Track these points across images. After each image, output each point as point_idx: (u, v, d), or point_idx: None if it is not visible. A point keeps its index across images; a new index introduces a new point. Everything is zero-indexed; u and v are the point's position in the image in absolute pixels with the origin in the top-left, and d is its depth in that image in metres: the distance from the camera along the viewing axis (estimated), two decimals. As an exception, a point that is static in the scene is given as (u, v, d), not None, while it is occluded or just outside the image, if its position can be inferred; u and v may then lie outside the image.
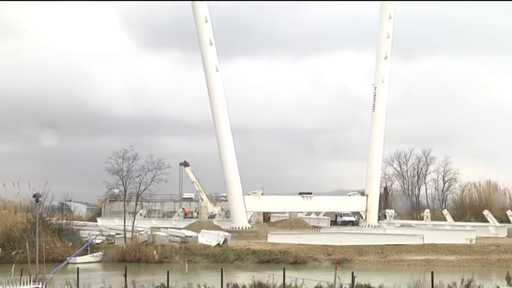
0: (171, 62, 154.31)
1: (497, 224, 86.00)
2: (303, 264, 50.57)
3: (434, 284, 29.94)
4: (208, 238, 69.54)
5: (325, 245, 63.94)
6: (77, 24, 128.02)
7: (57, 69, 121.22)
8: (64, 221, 73.62)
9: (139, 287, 32.01)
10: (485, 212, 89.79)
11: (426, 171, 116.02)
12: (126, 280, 34.38)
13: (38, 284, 18.48)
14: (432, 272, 31.15)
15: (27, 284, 18.24)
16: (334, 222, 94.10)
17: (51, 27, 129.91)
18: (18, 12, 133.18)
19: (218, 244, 67.13)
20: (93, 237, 68.50)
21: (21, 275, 27.76)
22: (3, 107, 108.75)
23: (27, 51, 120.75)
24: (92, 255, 59.77)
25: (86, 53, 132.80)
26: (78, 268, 39.57)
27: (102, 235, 71.25)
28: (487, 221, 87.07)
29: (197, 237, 69.81)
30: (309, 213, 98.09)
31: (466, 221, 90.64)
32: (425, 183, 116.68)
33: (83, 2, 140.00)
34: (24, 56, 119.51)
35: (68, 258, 51.32)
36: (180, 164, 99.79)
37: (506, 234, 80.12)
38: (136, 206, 76.63)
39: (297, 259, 54.66)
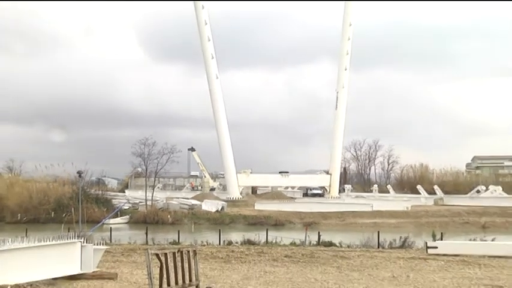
0: (180, 71, 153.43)
1: (427, 195, 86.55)
2: (281, 226, 51.03)
3: (379, 241, 30.11)
4: (210, 206, 69.90)
5: (298, 212, 64.50)
6: (105, 42, 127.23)
7: (91, 77, 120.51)
8: (100, 192, 73.63)
9: (156, 243, 32.22)
10: (418, 187, 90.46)
11: (375, 156, 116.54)
12: (147, 237, 34.53)
13: (81, 239, 18.97)
14: (378, 232, 31.55)
15: (72, 239, 18.82)
16: (305, 194, 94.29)
17: (87, 45, 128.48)
18: (61, 31, 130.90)
19: (217, 210, 67.42)
20: (122, 204, 68.50)
21: (69, 232, 28.59)
22: (52, 107, 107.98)
23: (69, 63, 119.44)
24: (121, 218, 59.99)
25: (112, 64, 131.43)
26: (110, 228, 39.97)
27: (129, 203, 71.26)
28: (419, 193, 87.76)
29: (201, 205, 70.04)
30: (286, 188, 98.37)
31: (404, 193, 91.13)
32: (374, 165, 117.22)
33: (108, 25, 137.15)
34: (67, 66, 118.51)
35: (103, 220, 51.50)
36: (188, 149, 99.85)
37: (433, 203, 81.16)
38: (154, 181, 76.91)
39: (277, 222, 54.99)
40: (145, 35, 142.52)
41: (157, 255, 7.67)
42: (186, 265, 8.04)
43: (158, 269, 7.45)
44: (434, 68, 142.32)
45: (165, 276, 7.59)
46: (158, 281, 7.50)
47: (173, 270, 7.70)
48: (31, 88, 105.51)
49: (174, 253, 7.98)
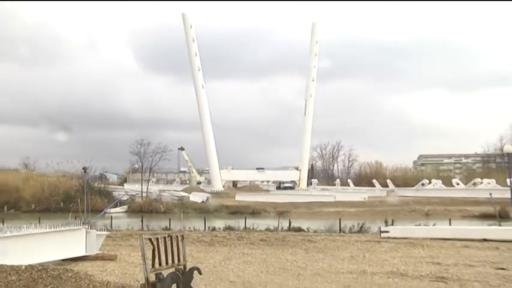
0: (171, 81, 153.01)
1: (381, 188, 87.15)
2: (258, 214, 50.89)
3: (341, 226, 30.09)
4: (196, 197, 69.69)
5: (272, 202, 64.45)
6: (105, 56, 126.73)
7: (94, 86, 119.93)
8: (102, 185, 74.37)
9: (150, 229, 32.06)
10: (374, 181, 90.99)
11: (337, 154, 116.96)
12: (142, 224, 34.45)
13: (85, 226, 18.99)
14: (340, 219, 31.48)
15: (78, 226, 18.89)
16: (278, 187, 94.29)
17: (91, 59, 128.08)
18: (68, 46, 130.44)
19: (203, 201, 67.18)
20: (121, 196, 68.40)
21: (75, 220, 28.46)
22: (61, 112, 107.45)
23: (75, 74, 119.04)
24: (120, 207, 59.47)
25: (112, 75, 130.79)
26: (111, 216, 39.70)
27: (127, 195, 71.17)
28: (374, 186, 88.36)
29: (189, 196, 69.93)
30: (262, 182, 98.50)
31: (362, 186, 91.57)
32: (336, 162, 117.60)
33: (107, 42, 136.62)
34: (73, 76, 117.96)
35: (104, 209, 51.19)
36: (178, 149, 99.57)
37: (385, 194, 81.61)
38: (149, 176, 77.08)
39: (254, 211, 54.73)
40: (140, 51, 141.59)
41: (150, 239, 7.64)
42: (175, 248, 8.02)
43: (151, 251, 7.44)
44: (385, 80, 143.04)
45: (156, 257, 7.57)
46: (151, 262, 7.48)
47: (164, 252, 7.67)
48: (44, 95, 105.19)
49: (164, 237, 7.95)
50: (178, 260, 8.08)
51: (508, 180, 46.39)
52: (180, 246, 8.23)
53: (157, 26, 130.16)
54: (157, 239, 7.74)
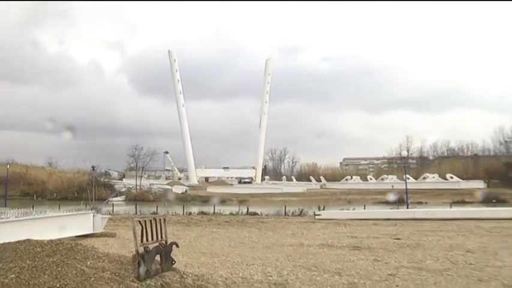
0: (158, 101, 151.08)
1: (316, 182, 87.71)
2: (224, 202, 50.40)
3: (286, 211, 30.23)
4: (178, 189, 69.23)
5: (235, 193, 64.39)
6: (106, 82, 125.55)
7: (99, 106, 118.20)
8: (106, 180, 73.76)
9: (142, 213, 31.68)
10: (311, 177, 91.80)
11: (284, 157, 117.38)
12: (136, 210, 34.10)
13: (93, 211, 18.95)
14: (285, 206, 31.68)
15: (87, 211, 18.91)
16: (239, 182, 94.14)
17: (97, 83, 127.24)
18: (80, 75, 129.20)
19: (182, 192, 67.00)
20: (120, 188, 67.88)
21: (86, 206, 28.10)
22: (75, 124, 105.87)
23: (82, 95, 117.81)
24: (120, 197, 58.84)
25: (112, 97, 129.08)
26: (113, 204, 39.47)
27: (125, 187, 70.40)
28: (311, 181, 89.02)
29: (172, 189, 69.98)
30: (227, 178, 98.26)
31: (302, 181, 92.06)
32: (283, 163, 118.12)
33: (106, 71, 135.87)
34: (82, 97, 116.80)
35: (108, 198, 50.58)
36: (164, 152, 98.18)
37: (319, 187, 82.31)
38: (142, 173, 76.51)
39: (221, 200, 54.46)
40: (133, 77, 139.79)
41: (139, 221, 7.56)
42: (159, 228, 7.95)
43: (140, 230, 7.39)
44: (319, 102, 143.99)
45: (144, 235, 7.49)
46: (140, 238, 7.41)
47: (150, 231, 7.61)
48: (62, 110, 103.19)
49: (150, 220, 7.87)
50: (161, 237, 8.01)
51: (404, 176, 47.34)
52: (163, 226, 8.17)
53: (148, 58, 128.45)
54: (145, 221, 7.67)
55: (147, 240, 7.60)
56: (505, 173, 71.11)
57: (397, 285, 7.75)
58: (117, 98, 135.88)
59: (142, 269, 7.08)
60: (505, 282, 8.17)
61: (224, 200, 54.41)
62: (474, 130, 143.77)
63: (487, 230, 17.62)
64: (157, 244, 7.88)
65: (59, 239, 9.79)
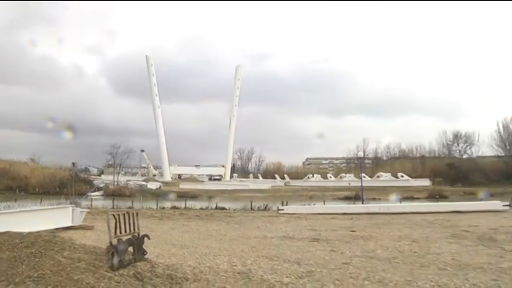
0: (136, 102, 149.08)
1: (280, 180, 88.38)
2: (195, 198, 49.84)
3: (252, 206, 30.38)
4: (152, 185, 68.65)
5: (205, 189, 64.08)
6: (87, 84, 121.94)
7: (80, 103, 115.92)
8: (86, 176, 73.30)
9: (119, 207, 31.17)
10: (276, 175, 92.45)
11: (251, 156, 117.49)
12: (113, 204, 33.59)
13: (72, 205, 18.69)
14: (251, 201, 31.84)
15: (67, 205, 18.64)
16: (210, 179, 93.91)
17: (79, 85, 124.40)
18: (64, 77, 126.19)
19: (156, 188, 66.49)
20: (99, 184, 66.82)
21: (66, 200, 27.58)
22: (55, 122, 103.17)
23: (67, 95, 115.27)
24: (98, 192, 57.77)
25: (92, 98, 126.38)
26: (91, 198, 38.90)
27: (103, 183, 69.24)
28: (276, 179, 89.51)
29: (147, 185, 69.09)
30: (198, 175, 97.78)
31: (267, 178, 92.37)
32: (251, 162, 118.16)
33: (87, 74, 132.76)
34: (65, 98, 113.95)
35: (87, 193, 49.78)
36: (140, 151, 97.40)
37: (283, 184, 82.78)
38: (119, 170, 75.48)
39: (192, 195, 54.00)
40: (112, 79, 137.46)
41: (113, 215, 7.49)
42: (131, 221, 7.88)
43: (114, 223, 7.32)
44: (285, 106, 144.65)
45: (118, 227, 7.42)
46: (114, 230, 7.34)
47: (123, 223, 7.55)
48: (45, 110, 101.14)
49: (124, 214, 7.80)
50: (134, 229, 7.94)
51: (360, 174, 48.16)
52: (135, 220, 8.10)
53: (127, 62, 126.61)
54: (119, 214, 7.60)
55: (120, 232, 7.51)
56: (447, 172, 73.51)
57: (350, 273, 7.89)
58: (97, 99, 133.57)
59: (115, 260, 7.01)
60: (440, 266, 8.58)
61: (195, 196, 54.06)
62: (422, 134, 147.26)
63: (430, 222, 18.13)
64: (130, 236, 7.80)
65: (38, 232, 9.61)
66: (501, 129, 76.71)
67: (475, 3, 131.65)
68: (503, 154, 76.83)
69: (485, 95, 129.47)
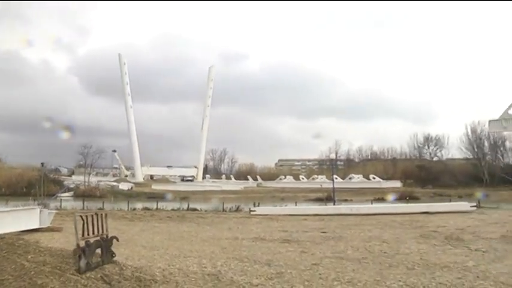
0: (108, 102, 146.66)
1: (253, 181, 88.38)
2: (168, 199, 50.13)
3: (224, 207, 30.31)
4: (124, 186, 67.86)
5: (178, 190, 63.64)
6: (58, 82, 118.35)
7: (50, 102, 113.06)
8: (56, 176, 71.89)
9: (89, 208, 30.77)
10: (248, 176, 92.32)
11: (224, 157, 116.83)
12: (83, 205, 32.99)
13: (40, 206, 18.28)
14: (223, 202, 31.99)
15: (34, 206, 18.19)
16: (182, 180, 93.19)
17: (49, 83, 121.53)
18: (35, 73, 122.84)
19: (128, 189, 65.74)
20: (69, 184, 65.81)
21: (34, 201, 26.95)
22: (24, 122, 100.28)
23: (37, 94, 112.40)
24: (68, 193, 56.97)
25: (64, 97, 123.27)
26: (61, 199, 38.22)
27: (74, 183, 68.08)
28: (248, 180, 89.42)
29: (118, 185, 68.23)
30: (171, 175, 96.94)
31: (240, 180, 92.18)
32: (223, 163, 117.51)
33: (58, 72, 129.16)
34: (36, 96, 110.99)
35: (57, 194, 48.87)
36: (112, 151, 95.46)
37: (256, 186, 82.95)
38: (90, 170, 74.38)
39: (164, 196, 54.22)
40: (84, 78, 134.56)
41: (81, 216, 7.36)
42: (100, 222, 7.77)
43: (82, 225, 7.19)
44: (257, 107, 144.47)
45: (86, 229, 7.30)
46: (81, 232, 7.21)
47: (92, 225, 7.42)
48: (14, 109, 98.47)
49: (92, 215, 7.68)
50: (102, 231, 7.84)
51: (332, 176, 48.72)
52: (104, 221, 8.00)
53: (98, 60, 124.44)
54: (87, 216, 7.48)
55: (88, 234, 7.41)
56: (417, 174, 75.22)
57: (319, 273, 7.95)
58: (68, 98, 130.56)
59: (82, 262, 6.90)
60: (409, 266, 8.74)
61: (167, 197, 53.68)
62: (394, 136, 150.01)
63: (400, 223, 18.47)
64: (98, 238, 7.70)
65: (2, 234, 9.36)
66: (469, 133, 78.72)
67: (445, 6, 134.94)
68: (471, 157, 78.95)
69: (454, 99, 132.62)
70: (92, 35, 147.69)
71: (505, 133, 59.10)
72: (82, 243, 7.12)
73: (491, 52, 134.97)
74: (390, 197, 42.53)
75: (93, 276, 6.64)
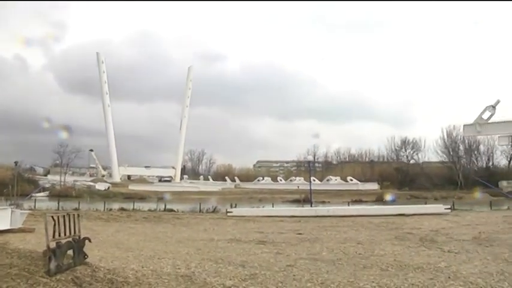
0: (86, 99, 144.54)
1: (231, 182, 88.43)
2: (144, 199, 49.27)
3: (201, 208, 30.28)
4: (101, 186, 67.08)
5: (155, 191, 63.18)
6: (33, 79, 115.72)
7: (25, 99, 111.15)
8: (30, 175, 70.56)
9: (65, 209, 30.36)
10: (226, 177, 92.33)
11: (202, 158, 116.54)
12: (58, 205, 32.58)
13: (12, 206, 17.93)
14: (200, 203, 31.94)
15: (5, 206, 17.82)
16: (160, 180, 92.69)
17: (24, 80, 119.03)
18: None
19: (105, 189, 64.93)
20: (44, 184, 64.78)
21: (6, 201, 26.39)
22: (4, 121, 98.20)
23: (12, 91, 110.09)
24: (43, 193, 55.99)
25: (40, 95, 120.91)
26: (35, 199, 37.52)
27: (49, 183, 67.04)
28: (226, 181, 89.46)
29: (95, 185, 67.45)
30: (148, 176, 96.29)
31: (218, 181, 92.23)
32: (201, 164, 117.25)
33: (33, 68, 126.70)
34: (11, 93, 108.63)
35: (31, 194, 47.99)
36: (89, 150, 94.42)
37: (234, 187, 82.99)
38: (66, 169, 73.60)
39: (141, 197, 53.20)
40: (60, 75, 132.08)
41: (52, 216, 7.22)
42: (72, 223, 7.63)
43: (53, 225, 7.06)
44: (236, 108, 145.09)
45: (57, 230, 7.16)
46: (52, 233, 7.08)
47: (63, 226, 7.29)
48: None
49: (64, 215, 7.54)
50: (75, 232, 7.71)
51: (309, 177, 49.06)
52: (76, 222, 7.86)
53: (76, 57, 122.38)
54: (58, 216, 7.34)
55: (59, 235, 7.27)
56: (395, 177, 76.39)
57: (293, 275, 7.96)
58: (44, 95, 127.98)
59: (52, 264, 6.75)
60: (382, 267, 8.81)
61: (144, 197, 53.28)
62: (371, 139, 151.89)
63: (376, 225, 18.66)
64: (70, 239, 7.57)
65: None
66: (445, 136, 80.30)
67: (424, 10, 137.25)
68: (447, 160, 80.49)
69: (432, 103, 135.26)
70: (69, 32, 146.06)
71: (479, 137, 60.75)
72: (53, 245, 6.98)
73: (469, 57, 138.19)
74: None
75: (63, 279, 6.51)
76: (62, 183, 64.10)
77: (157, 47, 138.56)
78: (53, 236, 7.13)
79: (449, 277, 7.77)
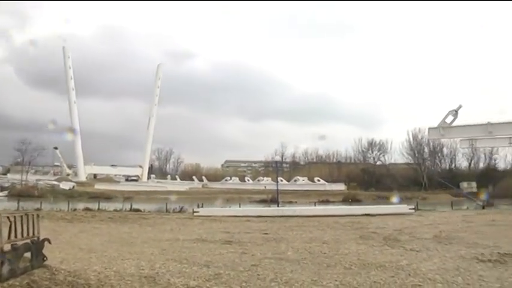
0: (51, 95, 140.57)
1: (198, 182, 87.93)
2: (110, 199, 48.18)
3: (167, 208, 30.07)
4: (65, 185, 65.60)
5: (121, 190, 62.05)
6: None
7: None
8: None
9: (25, 209, 29.54)
10: (193, 177, 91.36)
11: (170, 157, 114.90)
12: (18, 205, 31.55)
13: None
14: (166, 203, 31.60)
15: None
16: (126, 180, 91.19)
17: None
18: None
19: (69, 188, 63.53)
20: (4, 183, 63.10)
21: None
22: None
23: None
24: (2, 192, 54.54)
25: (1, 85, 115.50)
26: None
27: (9, 182, 65.06)
28: (194, 180, 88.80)
29: (59, 184, 65.91)
30: (115, 175, 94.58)
31: (185, 180, 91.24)
32: (169, 163, 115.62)
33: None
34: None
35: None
36: (53, 148, 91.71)
37: (201, 186, 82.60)
38: (28, 168, 71.08)
39: (107, 197, 51.93)
40: (21, 69, 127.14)
41: (7, 217, 6.95)
42: (30, 224, 7.36)
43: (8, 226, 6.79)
44: (205, 108, 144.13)
45: (13, 231, 6.89)
46: (8, 234, 6.81)
47: (20, 227, 7.02)
48: None
49: (21, 216, 7.27)
50: (33, 233, 7.45)
51: (277, 178, 49.35)
52: (35, 222, 7.60)
53: (40, 51, 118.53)
54: (15, 216, 7.06)
55: (15, 236, 7.01)
56: (361, 178, 77.78)
57: (258, 274, 7.97)
58: (3, 89, 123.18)
59: (5, 268, 6.45)
60: (346, 266, 8.98)
61: (110, 197, 52.38)
62: (339, 140, 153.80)
63: (342, 225, 18.93)
64: (27, 241, 7.30)
65: None
66: (411, 139, 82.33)
67: (391, 14, 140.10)
68: (412, 162, 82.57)
69: (399, 106, 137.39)
70: (31, 23, 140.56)
71: (443, 140, 62.48)
72: (7, 247, 6.70)
73: (434, 62, 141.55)
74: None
75: (17, 284, 6.27)
76: (23, 182, 62.13)
77: (126, 44, 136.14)
78: (8, 237, 6.85)
79: (409, 274, 8.01)
